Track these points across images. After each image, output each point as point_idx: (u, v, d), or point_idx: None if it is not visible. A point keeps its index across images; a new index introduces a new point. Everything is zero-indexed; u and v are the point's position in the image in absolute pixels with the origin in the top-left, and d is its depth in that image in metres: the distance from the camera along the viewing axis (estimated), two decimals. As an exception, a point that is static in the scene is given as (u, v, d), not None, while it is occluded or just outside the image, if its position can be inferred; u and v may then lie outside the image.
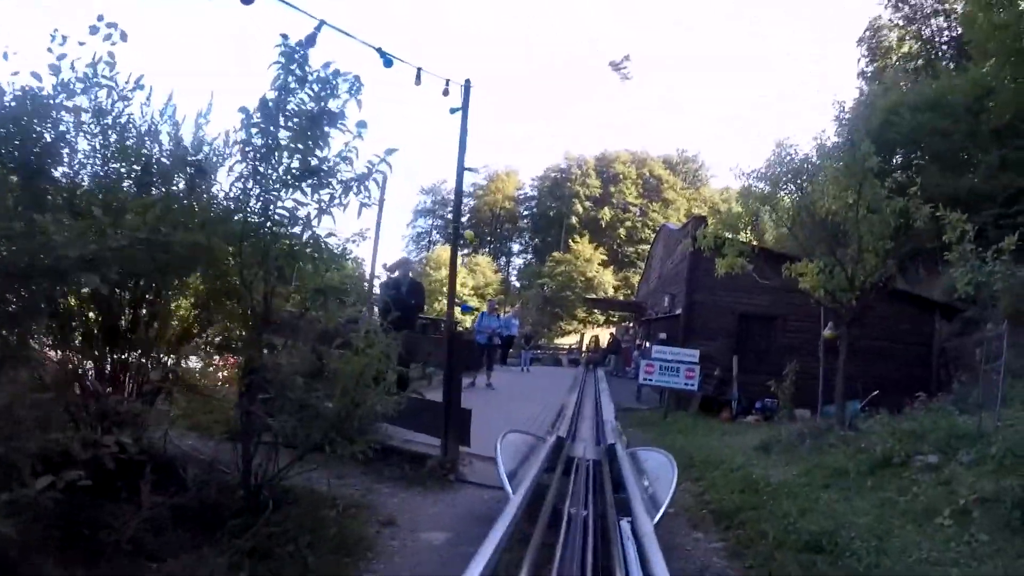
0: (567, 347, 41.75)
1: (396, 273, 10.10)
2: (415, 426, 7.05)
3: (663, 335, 18.03)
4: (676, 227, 24.63)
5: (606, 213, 65.84)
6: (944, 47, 30.97)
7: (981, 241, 18.93)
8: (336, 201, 4.37)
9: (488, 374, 14.66)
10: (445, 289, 53.62)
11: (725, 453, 8.53)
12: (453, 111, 7.32)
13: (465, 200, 72.52)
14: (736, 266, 11.12)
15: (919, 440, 6.78)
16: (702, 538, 5.25)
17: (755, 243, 11.69)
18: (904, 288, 18.22)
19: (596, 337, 35.78)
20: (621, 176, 67.88)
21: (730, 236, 11.24)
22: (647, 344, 20.94)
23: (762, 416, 14.03)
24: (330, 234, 4.74)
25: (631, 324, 32.65)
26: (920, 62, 29.89)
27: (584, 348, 35.44)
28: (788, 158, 9.97)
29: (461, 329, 20.13)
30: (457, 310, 9.49)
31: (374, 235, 12.94)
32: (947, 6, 30.41)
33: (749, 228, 11.05)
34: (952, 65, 26.77)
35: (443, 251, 59.68)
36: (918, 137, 18.50)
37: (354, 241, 5.29)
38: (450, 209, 71.62)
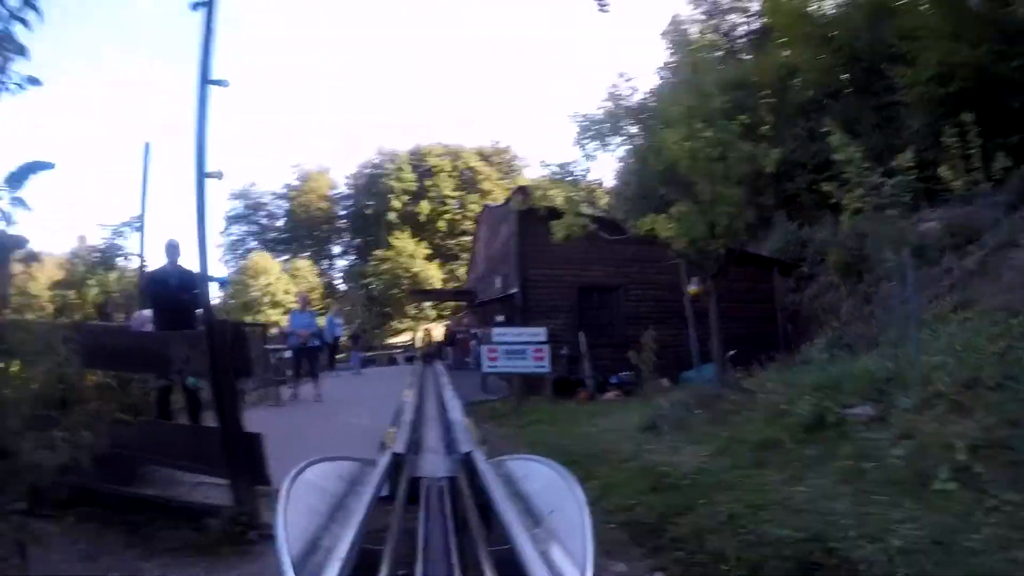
0: (401, 346, 39.57)
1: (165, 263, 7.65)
2: (200, 466, 4.87)
3: (500, 318, 16.59)
4: (497, 204, 23.42)
5: (424, 207, 63.95)
6: (741, 40, 32.63)
7: (796, 207, 20.20)
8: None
9: (314, 383, 12.36)
10: (267, 299, 49.69)
11: (606, 439, 7.06)
12: (195, 7, 5.10)
13: (278, 202, 67.58)
14: (576, 227, 9.83)
15: (836, 391, 5.70)
16: (626, 572, 3.60)
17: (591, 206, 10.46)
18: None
19: (428, 330, 34.01)
20: (435, 169, 66.39)
21: (568, 193, 9.97)
22: (485, 330, 19.45)
23: (621, 391, 13.04)
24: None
25: (464, 314, 31.17)
26: (722, 53, 31.44)
27: (419, 344, 33.48)
28: (630, 92, 8.77)
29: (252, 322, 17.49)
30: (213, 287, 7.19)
31: (140, 220, 10.15)
32: (742, 3, 32.75)
33: (583, 182, 9.78)
34: (749, 56, 28.32)
35: (260, 258, 55.03)
36: (728, 114, 19.40)
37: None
38: (264, 214, 66.62)
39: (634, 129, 9.24)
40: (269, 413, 9.94)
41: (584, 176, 9.93)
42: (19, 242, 7.65)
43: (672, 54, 34.57)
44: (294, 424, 8.82)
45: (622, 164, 10.87)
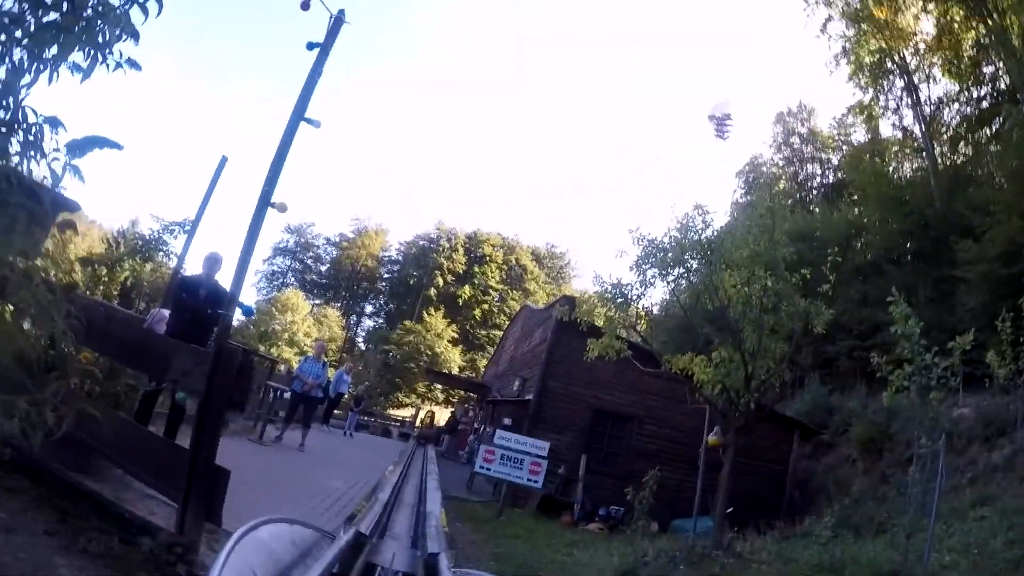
0: (401, 419, 38.89)
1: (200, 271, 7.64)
2: (152, 478, 4.60)
3: (508, 420, 16.15)
4: (539, 307, 23.33)
5: (465, 291, 64.43)
6: (815, 191, 33.50)
7: (834, 369, 19.64)
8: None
9: (303, 432, 12.02)
10: (286, 335, 50.01)
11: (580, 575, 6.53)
12: (311, 47, 5.18)
13: (328, 249, 68.98)
14: (611, 349, 9.57)
15: None
16: None
17: (634, 328, 10.27)
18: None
19: (432, 413, 33.47)
20: (488, 258, 67.17)
21: (611, 313, 9.76)
22: (488, 428, 18.95)
23: (607, 524, 12.45)
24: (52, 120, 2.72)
25: (471, 406, 30.64)
26: (791, 201, 31.83)
27: (418, 422, 32.88)
28: (703, 226, 8.66)
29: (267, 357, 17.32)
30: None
31: (192, 225, 10.31)
32: (823, 155, 33.81)
33: (633, 306, 9.61)
34: (817, 210, 28.61)
35: (293, 294, 55.88)
36: (791, 265, 19.52)
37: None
38: (311, 256, 67.94)
39: (695, 263, 9.11)
40: (247, 449, 9.63)
41: (636, 300, 9.77)
42: (70, 205, 7.63)
43: (745, 194, 35.53)
44: (267, 468, 8.51)
45: (670, 295, 10.65)
